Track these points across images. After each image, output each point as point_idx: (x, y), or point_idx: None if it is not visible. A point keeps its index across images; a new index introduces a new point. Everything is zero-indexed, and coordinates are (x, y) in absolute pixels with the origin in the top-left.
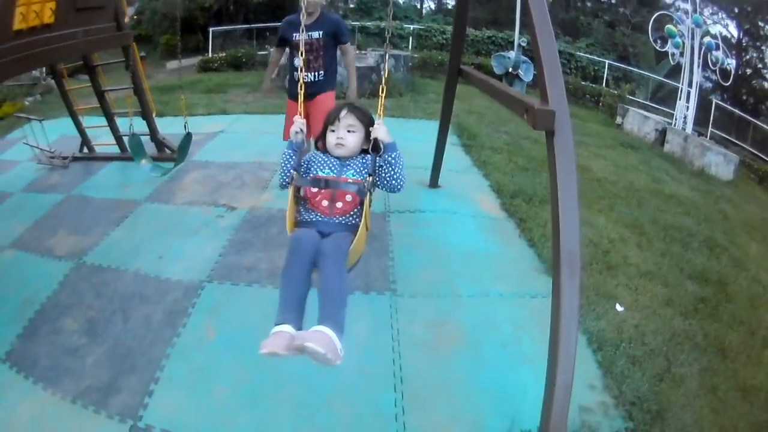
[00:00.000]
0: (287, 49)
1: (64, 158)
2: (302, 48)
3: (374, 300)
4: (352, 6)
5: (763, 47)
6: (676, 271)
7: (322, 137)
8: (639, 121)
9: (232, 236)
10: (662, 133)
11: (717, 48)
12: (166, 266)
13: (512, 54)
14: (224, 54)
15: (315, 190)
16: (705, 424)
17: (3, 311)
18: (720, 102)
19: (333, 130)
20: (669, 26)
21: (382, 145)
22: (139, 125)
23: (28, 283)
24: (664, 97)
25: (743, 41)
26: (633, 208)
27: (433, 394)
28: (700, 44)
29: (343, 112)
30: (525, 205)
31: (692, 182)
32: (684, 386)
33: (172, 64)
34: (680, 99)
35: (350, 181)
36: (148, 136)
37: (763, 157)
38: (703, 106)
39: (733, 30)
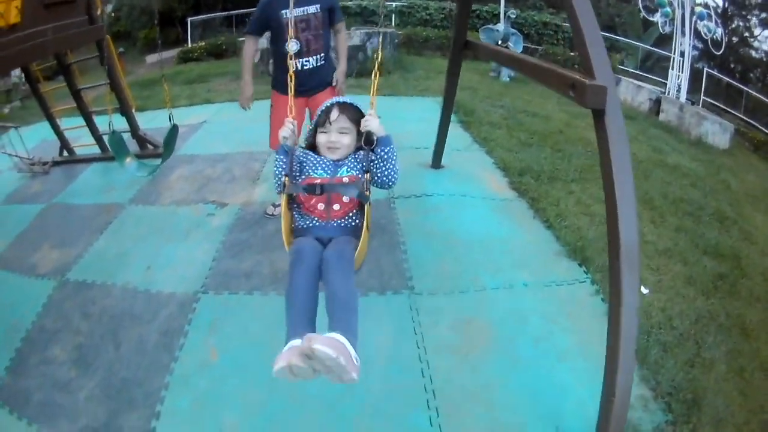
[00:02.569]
0: (268, 35)
1: (44, 164)
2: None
3: (392, 301)
4: None
5: (748, 16)
6: (692, 247)
7: (312, 135)
8: (632, 91)
9: (225, 237)
10: (656, 103)
11: (708, 18)
12: (156, 277)
13: (501, 27)
14: (204, 43)
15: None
16: (735, 408)
17: None
18: (711, 71)
19: (324, 132)
20: None
21: (374, 138)
22: (119, 122)
23: (13, 306)
24: (653, 66)
25: (728, 10)
26: (641, 181)
27: (468, 405)
28: (691, 13)
29: (334, 114)
30: (534, 183)
31: (691, 152)
32: (714, 370)
33: (151, 58)
34: (672, 68)
35: (345, 180)
36: (129, 133)
37: (756, 125)
38: (693, 75)
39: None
